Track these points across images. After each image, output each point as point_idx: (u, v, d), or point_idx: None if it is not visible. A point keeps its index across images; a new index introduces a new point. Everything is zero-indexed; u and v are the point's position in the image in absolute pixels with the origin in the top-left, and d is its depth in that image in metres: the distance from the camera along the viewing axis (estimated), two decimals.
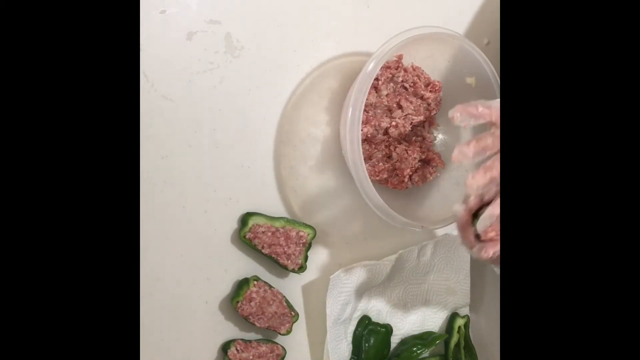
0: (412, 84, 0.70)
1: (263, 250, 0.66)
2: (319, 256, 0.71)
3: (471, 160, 0.56)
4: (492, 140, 0.55)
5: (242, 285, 0.66)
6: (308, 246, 0.68)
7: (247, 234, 0.66)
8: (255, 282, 0.66)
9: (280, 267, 0.67)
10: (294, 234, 0.67)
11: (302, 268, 0.68)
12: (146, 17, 0.61)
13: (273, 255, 0.66)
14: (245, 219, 0.66)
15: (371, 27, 0.71)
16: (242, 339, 0.67)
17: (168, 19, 0.62)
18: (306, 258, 0.68)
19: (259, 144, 0.68)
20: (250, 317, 0.66)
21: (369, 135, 0.69)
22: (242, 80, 0.66)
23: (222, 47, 0.65)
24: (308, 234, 0.68)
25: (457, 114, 0.56)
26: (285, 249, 0.67)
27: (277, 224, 0.66)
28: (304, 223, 0.68)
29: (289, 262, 0.67)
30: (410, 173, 0.71)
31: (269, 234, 0.66)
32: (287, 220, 0.67)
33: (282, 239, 0.66)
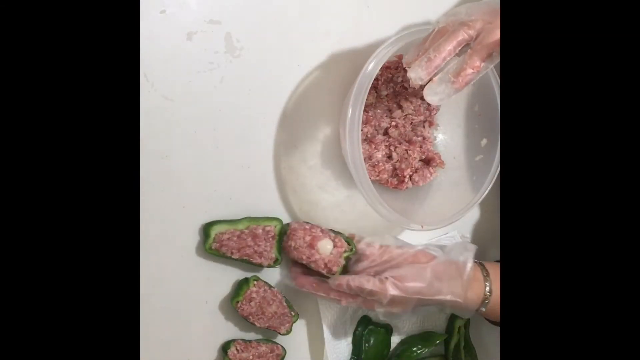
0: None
1: (233, 256, 0.65)
2: None
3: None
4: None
5: (242, 285, 0.66)
6: (278, 237, 0.66)
7: (213, 244, 0.64)
8: (255, 282, 0.66)
9: (257, 267, 0.67)
10: (259, 231, 0.65)
11: (277, 261, 0.66)
12: (146, 17, 0.61)
13: (245, 258, 0.65)
14: (206, 230, 0.64)
15: (371, 27, 0.71)
16: (242, 339, 0.67)
17: (168, 19, 0.62)
18: (279, 250, 0.67)
19: (259, 143, 0.68)
20: (250, 317, 0.66)
21: (368, 135, 0.69)
22: (242, 80, 0.66)
23: (222, 47, 0.65)
24: (275, 226, 0.66)
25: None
26: (255, 248, 0.65)
27: (241, 226, 0.65)
28: (267, 217, 0.66)
29: (262, 259, 0.65)
30: (411, 173, 0.71)
31: (235, 238, 0.64)
32: (250, 219, 0.65)
33: (250, 239, 0.65)
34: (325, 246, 0.65)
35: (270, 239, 0.66)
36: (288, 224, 0.67)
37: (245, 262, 0.66)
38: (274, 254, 0.66)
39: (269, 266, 0.67)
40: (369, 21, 0.70)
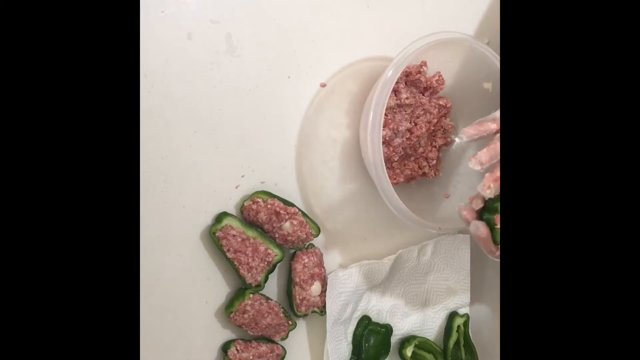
0: (431, 88, 0.71)
1: (228, 254, 0.64)
2: None
3: (485, 166, 0.58)
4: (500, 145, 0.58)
5: (238, 295, 0.66)
6: (272, 267, 0.66)
7: (218, 232, 0.64)
8: (251, 295, 0.65)
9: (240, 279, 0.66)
10: (262, 248, 0.65)
11: (259, 286, 0.66)
12: (146, 17, 0.61)
13: (235, 263, 0.65)
14: (220, 217, 0.65)
15: (371, 27, 0.71)
16: (242, 339, 0.67)
17: (168, 19, 0.62)
18: (266, 279, 0.66)
19: (258, 144, 0.68)
20: (244, 326, 0.66)
21: (387, 138, 0.69)
22: (242, 80, 0.66)
23: (222, 47, 0.65)
24: (275, 255, 0.66)
25: (464, 136, 0.60)
26: (249, 261, 0.65)
27: (250, 234, 0.65)
28: (276, 243, 0.66)
29: (249, 274, 0.65)
30: (429, 176, 0.72)
31: (239, 239, 0.64)
32: (261, 234, 0.65)
33: (250, 249, 0.64)
34: (317, 289, 0.69)
35: (267, 262, 0.66)
36: (311, 247, 0.69)
37: (233, 267, 0.65)
38: (260, 278, 0.66)
39: (250, 286, 0.65)
40: (369, 21, 0.70)
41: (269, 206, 0.65)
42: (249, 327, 0.66)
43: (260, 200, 0.65)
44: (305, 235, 0.67)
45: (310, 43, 0.68)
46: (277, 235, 0.66)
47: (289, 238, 0.67)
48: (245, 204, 0.66)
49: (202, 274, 0.67)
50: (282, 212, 0.66)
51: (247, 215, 0.66)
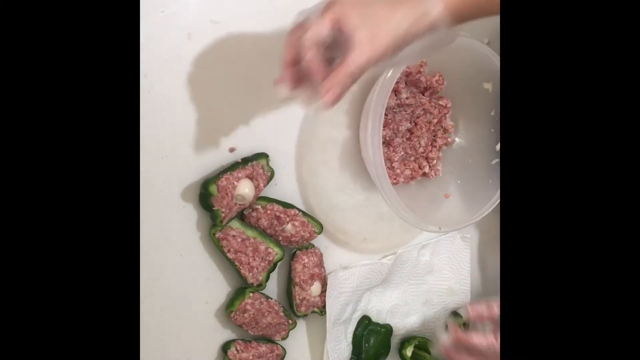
0: (431, 88, 0.71)
1: (228, 255, 0.64)
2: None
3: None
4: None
5: (238, 295, 0.66)
6: (273, 266, 0.66)
7: (218, 233, 0.64)
8: (251, 294, 0.65)
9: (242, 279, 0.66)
10: (262, 247, 0.65)
11: (261, 286, 0.66)
12: (146, 17, 0.61)
13: (236, 263, 0.65)
14: None
15: None
16: (242, 339, 0.67)
17: (168, 18, 0.62)
18: (267, 278, 0.66)
19: (258, 144, 0.68)
20: (244, 326, 0.66)
21: (387, 138, 0.69)
22: (242, 80, 0.66)
23: (222, 47, 0.65)
24: (276, 254, 0.66)
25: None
26: (250, 260, 0.65)
27: (250, 233, 0.65)
28: (276, 242, 0.66)
29: (250, 274, 0.65)
30: (429, 176, 0.72)
31: (239, 239, 0.64)
32: (260, 233, 0.65)
33: (250, 249, 0.65)
34: (317, 289, 0.69)
35: (267, 262, 0.66)
36: (311, 247, 0.69)
37: (234, 267, 0.65)
38: (262, 277, 0.66)
39: (252, 286, 0.66)
40: None
41: (268, 212, 0.65)
42: (250, 327, 0.66)
43: (259, 206, 0.65)
44: (308, 234, 0.67)
45: None
46: (280, 238, 0.67)
47: (293, 239, 0.67)
48: (245, 212, 0.66)
49: (202, 274, 0.67)
50: (282, 215, 0.66)
51: (249, 222, 0.66)
